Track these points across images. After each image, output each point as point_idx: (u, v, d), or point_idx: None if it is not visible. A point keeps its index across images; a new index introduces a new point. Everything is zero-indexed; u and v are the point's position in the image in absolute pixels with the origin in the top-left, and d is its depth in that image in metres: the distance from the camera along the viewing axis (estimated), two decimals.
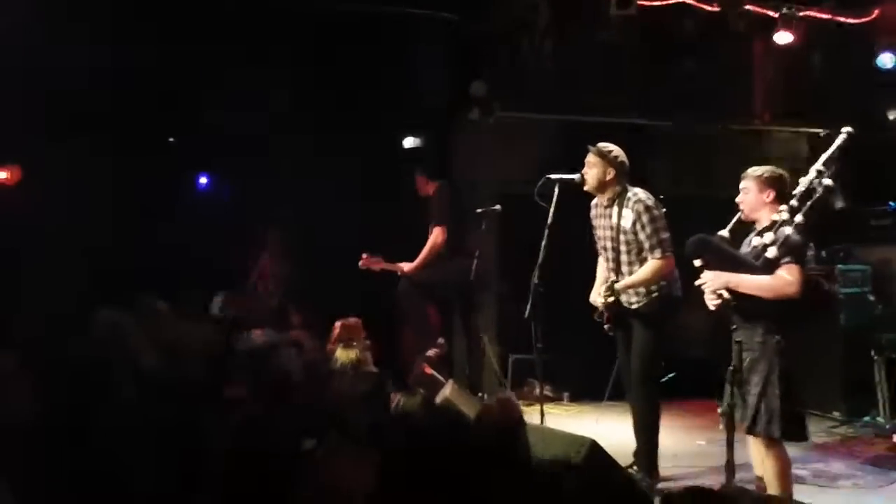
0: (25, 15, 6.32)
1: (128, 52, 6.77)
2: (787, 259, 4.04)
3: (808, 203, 4.05)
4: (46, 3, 6.46)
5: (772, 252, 4.03)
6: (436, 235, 6.81)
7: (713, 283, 4.21)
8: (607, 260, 5.31)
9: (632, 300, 5.18)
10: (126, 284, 5.78)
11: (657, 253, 5.06)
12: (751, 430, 4.18)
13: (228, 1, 7.07)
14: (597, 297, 5.30)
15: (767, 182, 4.30)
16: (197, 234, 7.24)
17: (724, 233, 4.34)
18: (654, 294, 5.12)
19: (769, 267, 4.07)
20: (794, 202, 4.08)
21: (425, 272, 6.84)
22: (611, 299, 5.14)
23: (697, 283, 4.28)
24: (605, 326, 5.26)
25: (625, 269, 5.18)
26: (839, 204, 4.03)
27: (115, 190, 7.08)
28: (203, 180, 8.27)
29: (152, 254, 7.00)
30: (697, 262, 4.26)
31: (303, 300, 7.25)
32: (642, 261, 5.12)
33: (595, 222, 5.39)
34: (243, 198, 7.86)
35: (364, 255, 6.81)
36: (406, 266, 6.86)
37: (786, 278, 4.05)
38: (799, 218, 4.04)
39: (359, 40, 7.44)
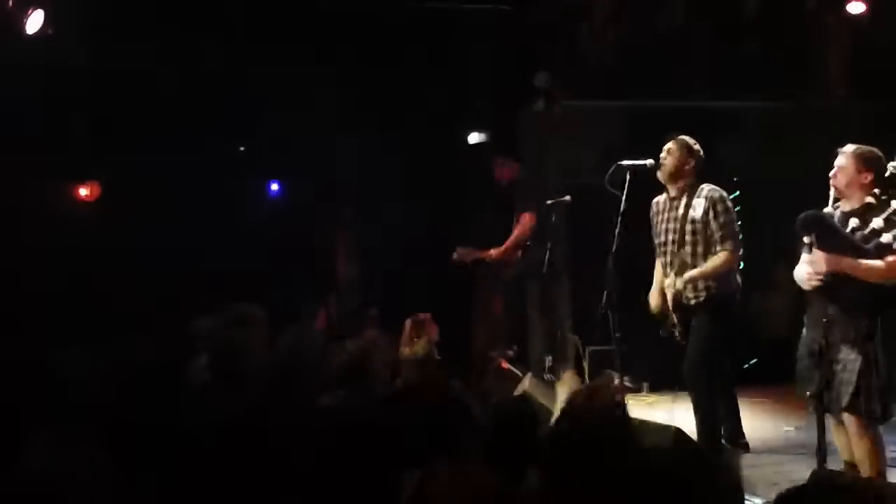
0: (91, 28, 6.48)
1: (194, 60, 6.90)
2: None
3: None
4: (112, 15, 6.60)
5: (887, 238, 3.95)
6: (525, 221, 6.81)
7: (826, 265, 4.11)
8: (665, 254, 5.21)
9: (690, 295, 5.09)
10: (200, 292, 5.93)
11: (728, 244, 5.00)
12: (850, 409, 4.10)
13: (290, 3, 7.14)
14: (656, 298, 5.20)
15: (867, 162, 4.22)
16: (271, 240, 7.36)
17: (830, 209, 4.26)
18: (712, 289, 5.04)
19: (881, 251, 3.99)
20: None
21: (508, 260, 6.86)
22: (679, 285, 5.04)
23: (804, 258, 4.18)
24: (676, 334, 5.18)
25: (689, 260, 5.08)
26: None
27: (189, 202, 7.22)
28: (274, 187, 8.40)
29: (228, 263, 7.13)
30: (806, 239, 4.18)
31: (379, 301, 7.30)
32: (706, 254, 5.03)
33: (656, 219, 5.30)
34: (312, 202, 7.96)
35: (457, 250, 6.84)
36: (494, 252, 6.87)
37: None
38: None
39: (418, 39, 7.47)
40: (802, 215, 4.20)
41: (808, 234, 4.16)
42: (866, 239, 4.02)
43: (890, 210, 3.98)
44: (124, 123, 6.96)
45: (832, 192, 4.30)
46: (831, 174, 4.30)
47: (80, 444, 2.63)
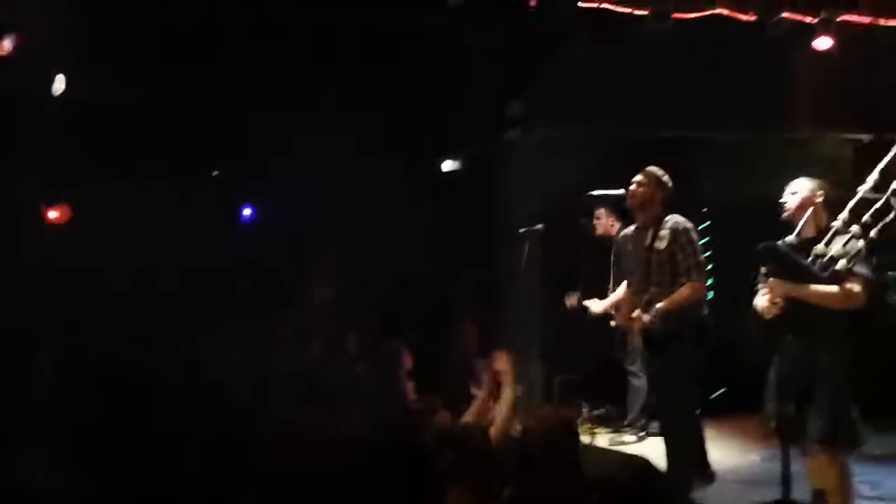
0: (64, 51, 6.47)
1: (168, 84, 6.88)
2: (855, 272, 4.02)
3: (885, 220, 4.01)
4: (84, 38, 6.59)
5: (842, 265, 4.00)
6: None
7: (776, 291, 4.18)
8: (633, 284, 5.25)
9: (657, 325, 5.11)
10: (177, 316, 5.89)
11: (693, 276, 5.03)
12: (823, 442, 4.13)
13: (270, 25, 7.16)
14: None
15: (815, 190, 4.35)
16: (244, 263, 7.34)
17: (791, 239, 4.31)
18: (679, 319, 5.07)
19: (835, 278, 4.04)
20: (867, 217, 4.03)
21: None
22: (645, 317, 5.07)
23: (760, 288, 4.24)
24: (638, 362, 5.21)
25: (655, 289, 5.11)
26: None
27: (161, 225, 7.19)
28: (247, 212, 8.38)
29: (203, 285, 7.10)
30: (763, 269, 4.24)
31: (358, 324, 7.26)
32: (672, 285, 5.06)
33: (623, 250, 5.34)
34: (288, 226, 7.95)
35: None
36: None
37: (853, 290, 4.05)
38: (873, 234, 4.01)
39: (394, 65, 7.51)
40: (758, 247, 4.26)
41: (764, 264, 4.23)
42: (825, 266, 4.08)
43: (848, 236, 4.03)
44: (96, 146, 6.92)
45: (802, 223, 4.34)
46: (783, 200, 4.38)
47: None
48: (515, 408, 3.84)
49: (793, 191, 4.40)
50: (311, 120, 7.36)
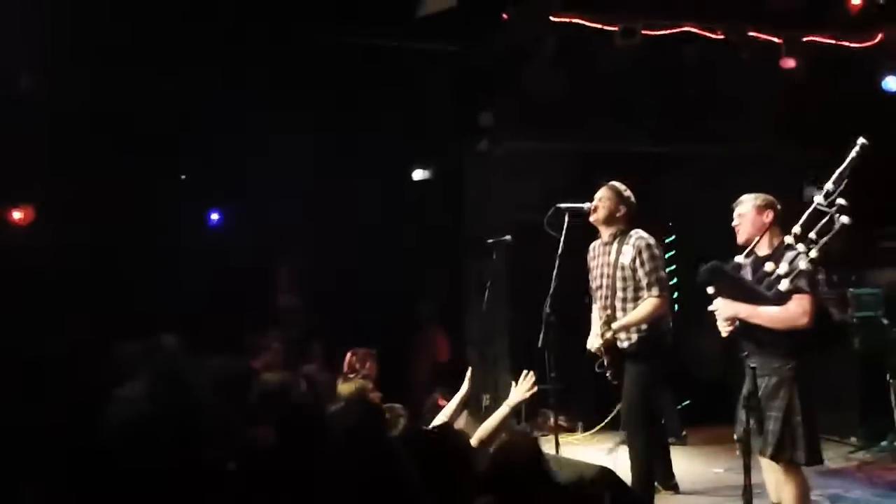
0: (31, 52, 6.39)
1: (132, 89, 6.82)
2: (799, 291, 4.05)
3: (826, 238, 3.97)
4: (50, 39, 6.52)
5: (784, 284, 4.03)
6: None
7: (724, 312, 4.24)
8: (601, 299, 5.27)
9: (621, 339, 5.15)
10: (140, 322, 5.82)
11: (654, 290, 5.05)
12: (776, 457, 4.16)
13: (234, 38, 7.14)
14: (594, 340, 5.27)
15: (764, 206, 4.35)
16: (210, 269, 7.27)
17: (741, 259, 4.35)
18: (644, 333, 5.10)
19: (781, 298, 4.07)
20: (812, 234, 4.03)
21: None
22: (609, 335, 5.11)
23: (710, 308, 4.28)
24: (608, 374, 5.23)
25: (619, 305, 5.14)
26: (845, 220, 3.97)
27: (126, 227, 7.12)
28: (214, 216, 8.32)
29: (165, 290, 7.03)
30: (710, 290, 4.27)
31: (326, 334, 7.23)
32: (636, 300, 5.10)
33: (592, 263, 5.38)
34: (252, 233, 7.90)
35: None
36: None
37: (797, 311, 4.06)
38: (814, 253, 3.99)
39: (364, 75, 7.51)
40: (703, 268, 4.27)
41: (710, 286, 4.26)
42: (769, 286, 4.11)
43: (794, 254, 4.07)
44: (61, 147, 6.83)
45: (754, 243, 4.35)
46: (734, 224, 4.42)
47: None
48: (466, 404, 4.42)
49: (739, 212, 4.41)
50: (275, 128, 7.35)
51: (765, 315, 4.13)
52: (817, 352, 4.30)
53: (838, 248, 4.03)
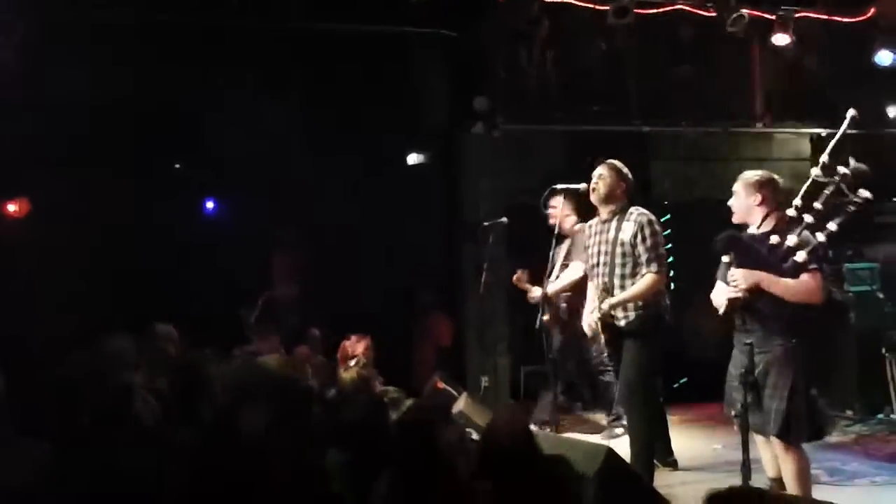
0: (28, 46, 6.36)
1: (128, 80, 6.80)
2: (813, 265, 4.07)
3: (845, 214, 4.02)
4: (47, 33, 6.49)
5: (801, 256, 4.04)
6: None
7: (745, 281, 4.19)
8: (598, 276, 5.26)
9: (619, 316, 5.14)
10: (137, 310, 5.83)
11: (653, 267, 5.05)
12: (781, 436, 4.16)
13: (228, 25, 7.11)
14: (590, 317, 5.29)
15: (754, 186, 4.36)
16: (206, 258, 7.27)
17: (753, 231, 4.36)
18: (641, 310, 5.10)
19: (796, 270, 4.09)
20: (817, 204, 4.06)
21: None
22: (606, 307, 5.10)
23: (729, 277, 4.26)
24: (604, 355, 5.24)
25: (617, 282, 5.13)
26: (866, 194, 4.04)
27: (122, 218, 7.10)
28: (210, 205, 8.30)
29: (162, 280, 7.03)
30: (726, 258, 4.28)
31: (323, 321, 7.24)
32: (634, 276, 5.10)
33: (590, 241, 5.38)
34: (249, 221, 7.89)
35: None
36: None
37: (812, 284, 4.09)
38: (832, 226, 4.03)
39: (358, 60, 7.49)
40: (720, 236, 4.30)
41: (727, 254, 4.28)
42: (784, 257, 4.13)
43: (802, 225, 4.09)
44: (56, 139, 6.82)
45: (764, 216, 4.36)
46: (729, 202, 4.45)
47: None
48: None
49: (734, 189, 4.44)
50: (270, 115, 7.33)
51: (783, 286, 4.13)
52: (818, 329, 4.34)
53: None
